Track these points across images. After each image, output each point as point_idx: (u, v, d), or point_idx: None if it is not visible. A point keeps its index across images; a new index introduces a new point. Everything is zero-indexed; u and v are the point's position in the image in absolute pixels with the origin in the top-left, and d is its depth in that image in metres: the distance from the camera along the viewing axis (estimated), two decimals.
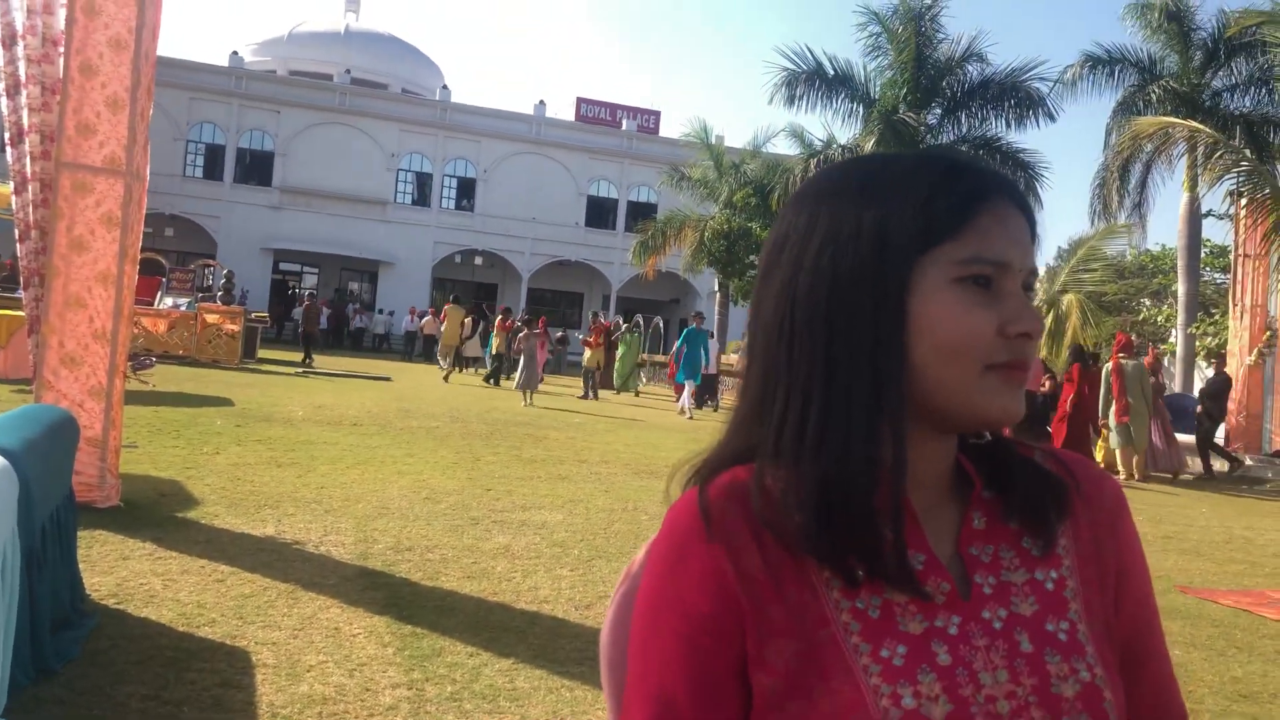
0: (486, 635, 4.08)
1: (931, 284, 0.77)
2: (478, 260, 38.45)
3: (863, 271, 0.78)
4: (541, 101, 40.11)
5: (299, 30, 43.72)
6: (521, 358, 16.72)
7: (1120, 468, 12.73)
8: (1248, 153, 15.55)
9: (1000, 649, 0.77)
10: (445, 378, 20.61)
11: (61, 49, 5.57)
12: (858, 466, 0.77)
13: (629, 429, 13.85)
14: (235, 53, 38.44)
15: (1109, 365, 13.03)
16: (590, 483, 8.38)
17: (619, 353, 21.65)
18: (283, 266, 37.68)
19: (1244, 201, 14.11)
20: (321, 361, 22.69)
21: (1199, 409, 14.27)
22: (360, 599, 4.46)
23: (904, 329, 0.77)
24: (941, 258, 0.78)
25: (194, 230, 35.60)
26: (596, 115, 40.85)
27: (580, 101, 41.10)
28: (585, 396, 18.78)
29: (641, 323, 24.07)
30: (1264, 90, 19.94)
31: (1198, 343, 21.02)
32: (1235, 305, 17.37)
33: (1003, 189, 0.81)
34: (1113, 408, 12.75)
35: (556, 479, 8.47)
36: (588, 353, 19.77)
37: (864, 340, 0.78)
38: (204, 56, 51.08)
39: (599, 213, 40.05)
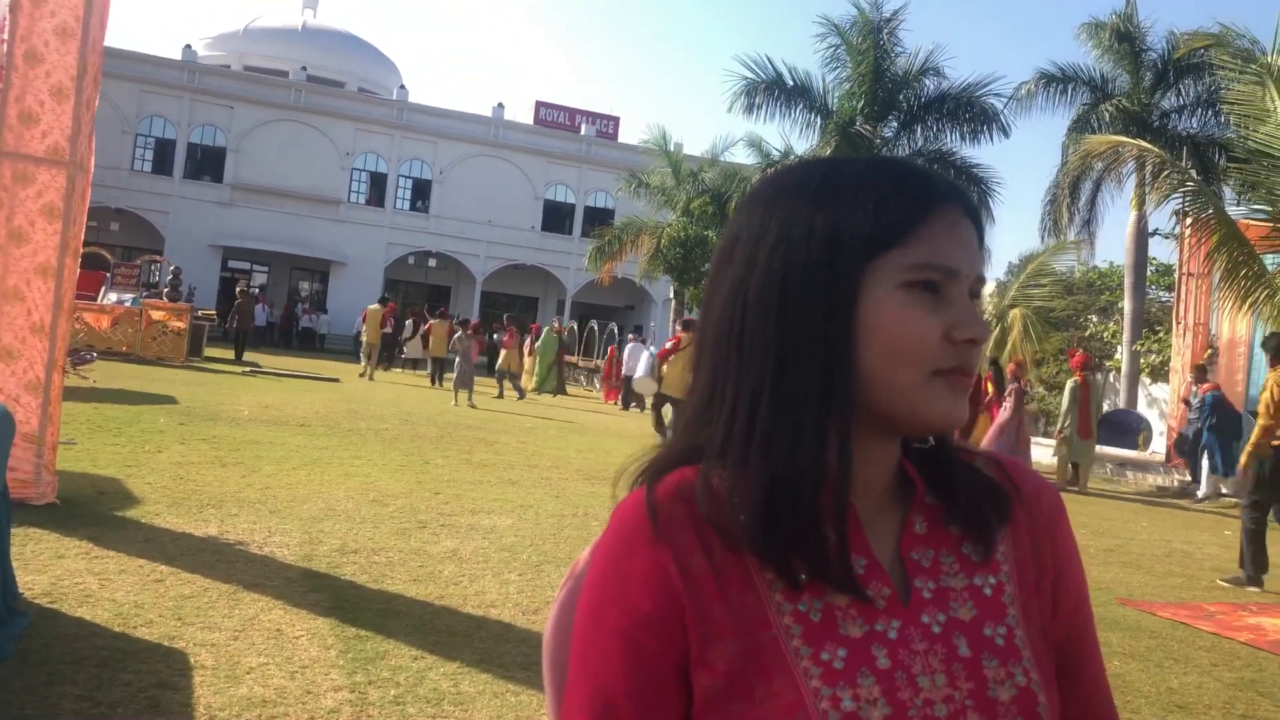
0: (432, 639, 4.03)
1: (881, 289, 0.78)
2: (431, 262, 38.15)
3: (814, 274, 0.78)
4: (500, 104, 39.98)
5: (255, 25, 43.10)
6: (458, 359, 16.92)
7: (1057, 477, 13.07)
8: (1194, 173, 15.91)
9: (939, 653, 0.78)
10: (366, 375, 20.81)
11: (5, 35, 5.42)
12: (804, 468, 0.77)
13: (581, 434, 13.80)
14: (188, 46, 37.75)
15: (1074, 380, 13.32)
16: (540, 488, 8.34)
17: (535, 353, 21.97)
18: (232, 264, 37.05)
19: (1189, 221, 14.42)
20: (268, 361, 22.37)
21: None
22: (304, 601, 4.38)
23: (853, 332, 0.78)
24: (891, 263, 0.78)
25: (141, 225, 34.91)
26: (555, 119, 40.77)
27: (539, 105, 41.01)
28: (499, 396, 19.11)
29: (559, 324, 24.24)
30: (1210, 112, 20.43)
31: (1142, 360, 21.47)
32: (1179, 323, 17.77)
33: (953, 196, 0.82)
34: (1075, 422, 13.08)
35: (506, 483, 8.41)
36: (502, 354, 19.90)
37: (813, 343, 0.78)
38: (156, 49, 50.10)
39: (556, 217, 39.94)
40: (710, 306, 0.84)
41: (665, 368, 13.36)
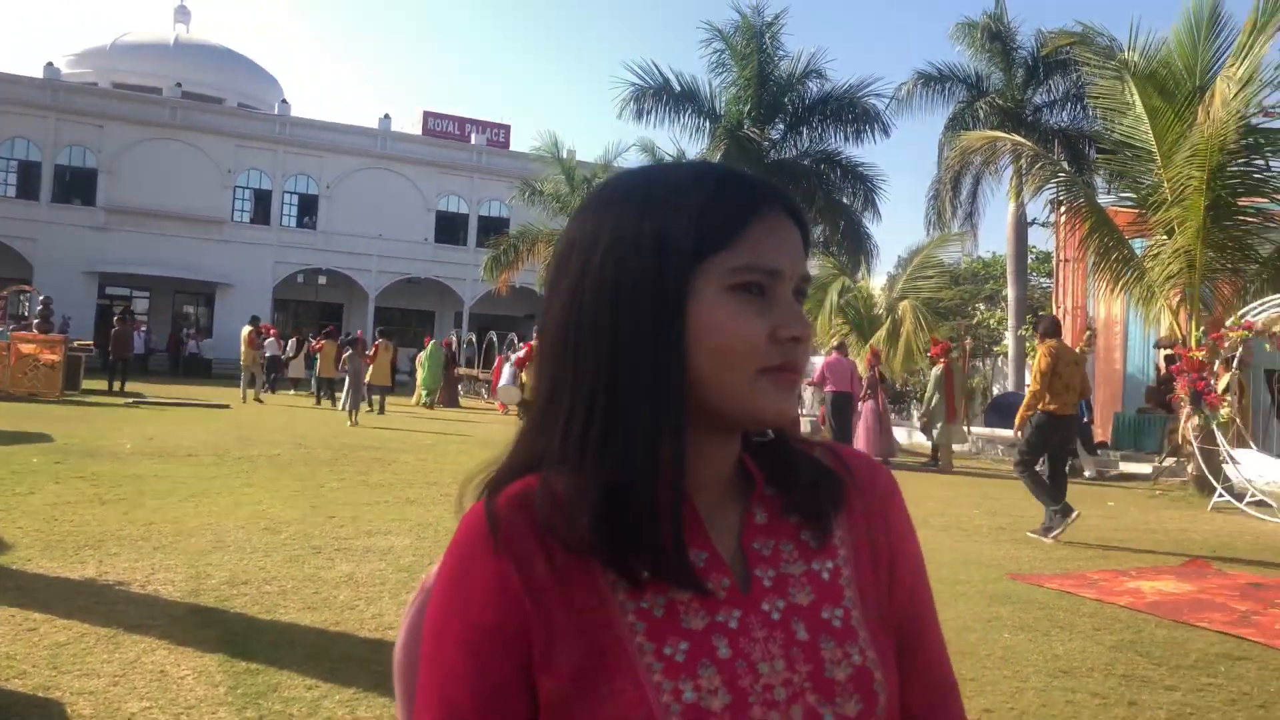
0: (327, 666, 3.92)
1: (708, 292, 0.80)
2: (321, 280, 37.19)
3: (643, 280, 0.80)
4: (386, 115, 39.32)
5: (123, 41, 41.47)
6: (347, 378, 16.67)
7: (941, 460, 13.58)
8: (1065, 165, 16.62)
9: (778, 639, 0.81)
10: (247, 400, 20.42)
11: None
12: (639, 469, 0.78)
13: (482, 447, 13.62)
14: (51, 64, 36.09)
15: (940, 367, 13.75)
16: (440, 505, 8.20)
17: (422, 365, 21.89)
18: (110, 291, 35.49)
19: (1063, 210, 15.07)
20: (154, 390, 21.50)
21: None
22: (190, 638, 4.21)
23: (683, 335, 0.79)
24: (716, 266, 0.80)
25: (6, 254, 33.17)
26: (444, 129, 40.29)
27: (427, 115, 40.46)
28: (380, 412, 18.65)
29: (452, 338, 24.19)
30: (1079, 106, 21.37)
31: (1027, 344, 22.33)
32: (1058, 307, 18.56)
33: (774, 199, 0.84)
34: (942, 406, 13.57)
35: (404, 503, 8.25)
36: (320, 362, 20.04)
37: (645, 346, 0.80)
38: (15, 68, 47.70)
39: (449, 228, 39.44)
40: (548, 314, 0.86)
41: (525, 375, 13.62)
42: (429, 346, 22.25)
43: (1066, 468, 8.62)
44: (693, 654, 0.78)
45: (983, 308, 31.75)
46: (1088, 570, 6.86)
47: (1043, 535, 8.04)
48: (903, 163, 48.80)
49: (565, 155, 28.89)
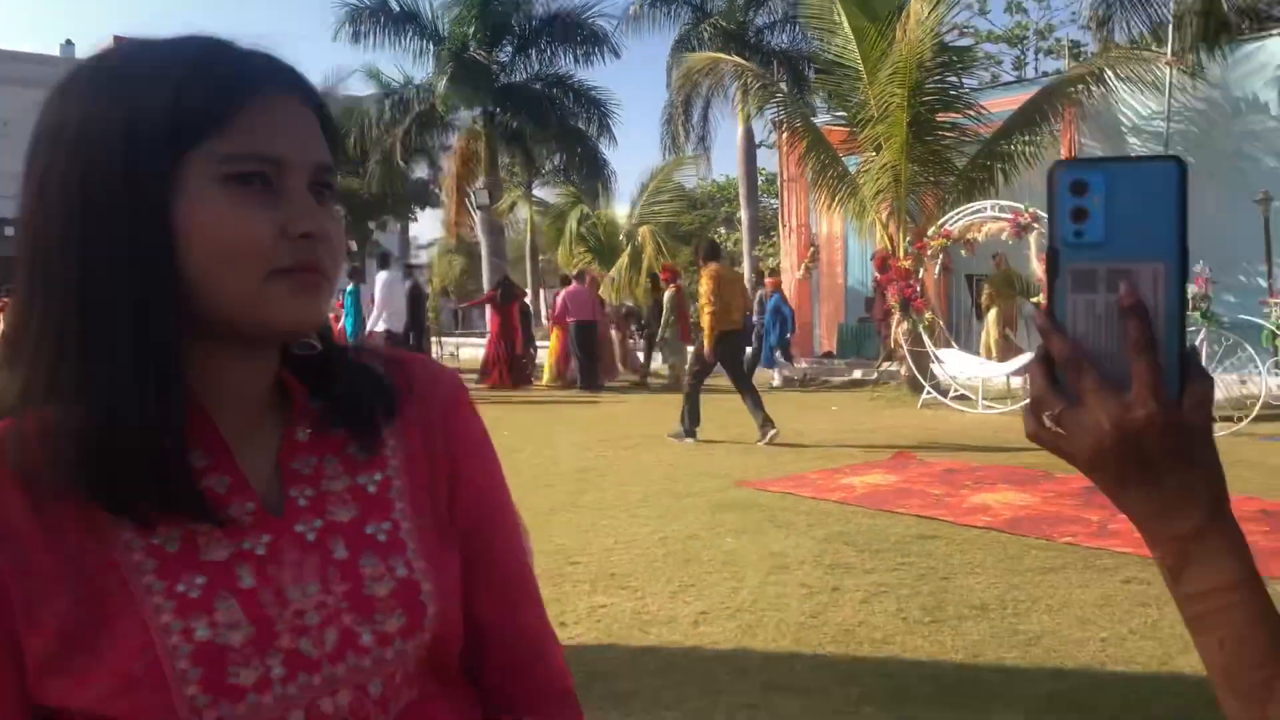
0: None
1: (197, 185, 0.71)
2: (7, 230, 33.14)
3: (113, 176, 0.71)
4: (69, 41, 35.00)
5: None
6: None
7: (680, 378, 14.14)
8: (784, 86, 17.18)
9: (313, 561, 0.77)
10: None
11: None
12: (125, 399, 0.71)
13: None
14: None
15: (671, 290, 14.06)
16: None
17: None
18: None
19: (784, 130, 15.59)
20: None
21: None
22: None
23: (170, 239, 0.71)
24: (204, 156, 0.71)
25: None
26: None
27: (119, 41, 36.42)
28: None
29: None
30: (797, 28, 22.13)
31: (761, 264, 23.25)
32: (784, 226, 19.35)
33: (278, 80, 0.76)
34: (675, 327, 14.01)
35: None
36: None
37: (122, 254, 0.71)
38: None
39: None
40: (17, 225, 0.75)
41: None
42: None
43: (748, 376, 9.34)
44: (209, 588, 0.73)
45: (723, 231, 32.83)
46: (808, 472, 7.15)
47: (677, 439, 8.78)
48: (641, 87, 49.30)
49: None
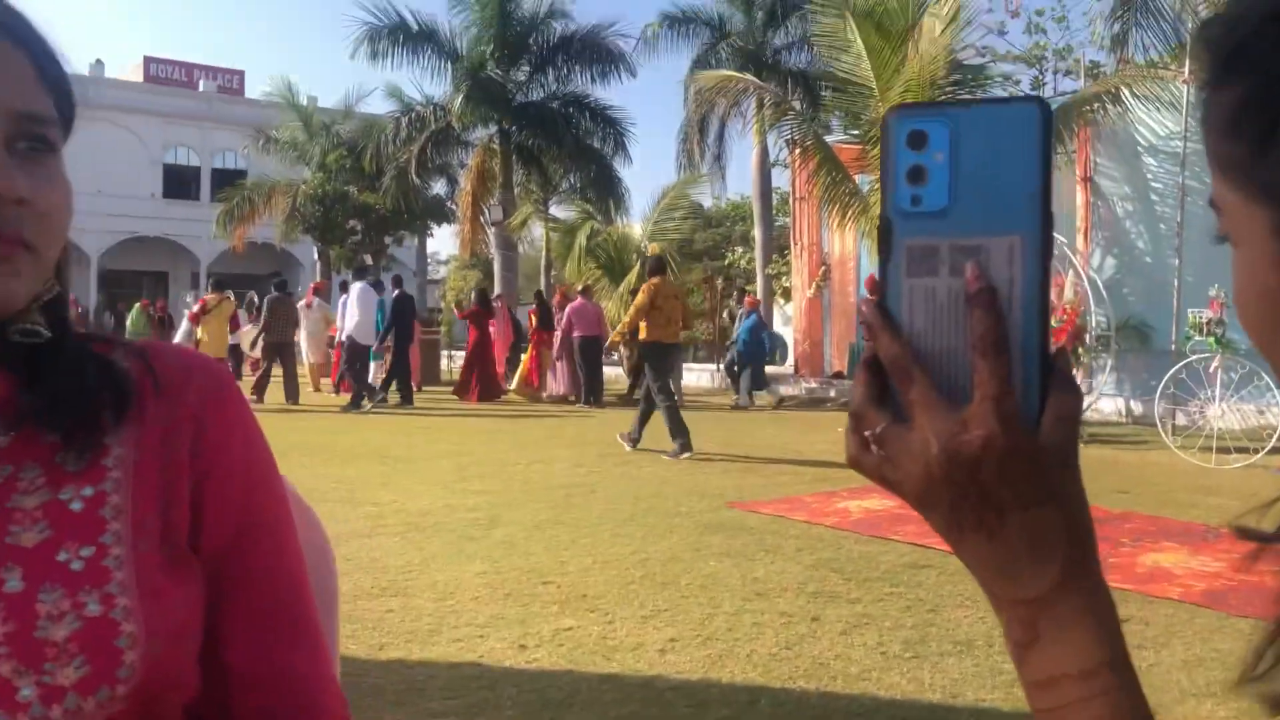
0: None
1: None
2: None
3: None
4: (99, 60, 35.49)
5: None
6: None
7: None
8: (797, 104, 17.05)
9: None
10: None
11: None
12: None
13: None
14: None
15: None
16: None
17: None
18: None
19: (797, 149, 15.44)
20: None
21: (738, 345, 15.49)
22: None
23: None
24: None
25: None
26: (169, 76, 36.95)
27: (149, 61, 36.93)
28: None
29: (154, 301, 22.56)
30: (815, 48, 22.04)
31: (774, 282, 23.06)
32: (796, 244, 19.15)
33: None
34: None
35: None
36: None
37: None
38: None
39: (179, 182, 36.29)
40: None
41: (200, 331, 13.69)
42: (132, 312, 20.41)
43: (673, 395, 9.31)
44: None
45: (740, 250, 32.70)
46: (805, 494, 6.94)
47: (674, 457, 8.56)
48: (659, 106, 49.34)
49: (305, 101, 27.10)
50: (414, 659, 3.54)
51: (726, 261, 28.53)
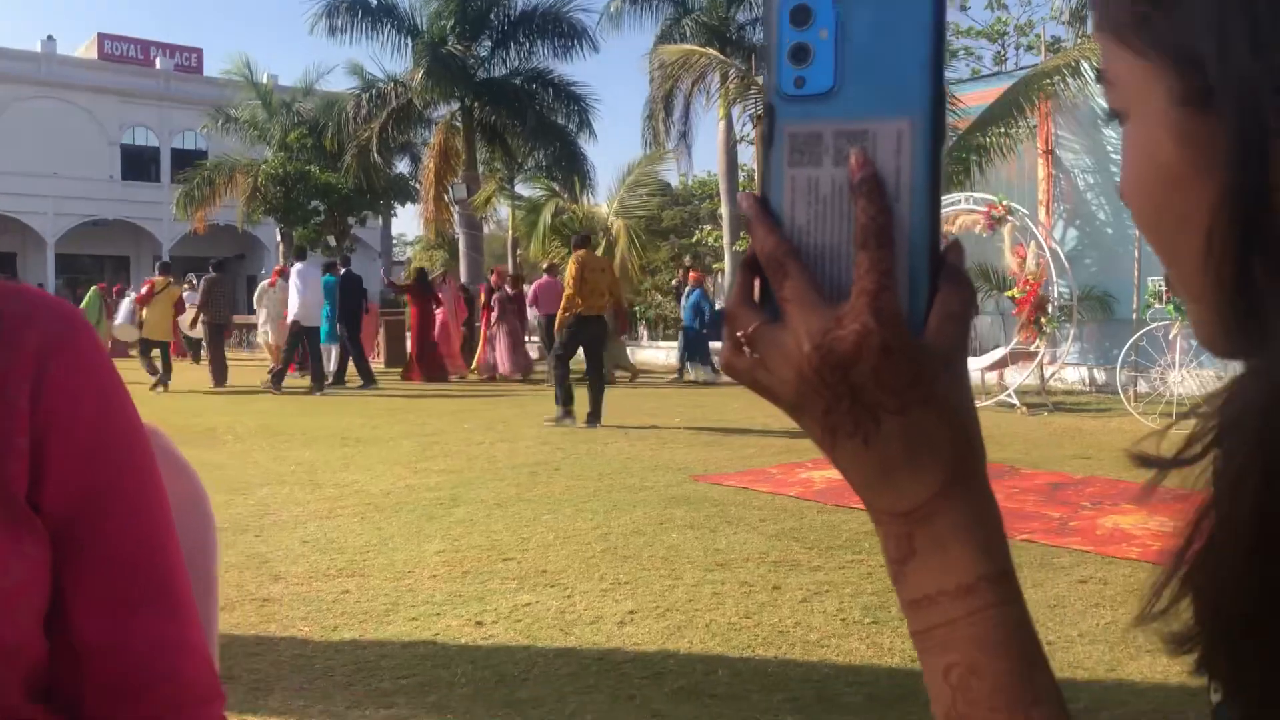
0: None
1: None
2: None
3: None
4: (50, 36, 34.64)
5: None
6: None
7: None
8: (761, 80, 16.98)
9: None
10: None
11: None
12: None
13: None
14: None
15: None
16: None
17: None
18: None
19: (760, 125, 15.40)
20: None
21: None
22: None
23: None
24: None
25: None
26: (125, 53, 36.15)
27: (103, 38, 36.12)
28: None
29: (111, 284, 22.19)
30: None
31: (691, 258, 23.03)
32: None
33: None
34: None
35: None
36: None
37: None
38: None
39: (137, 164, 35.61)
40: None
41: (145, 312, 13.50)
42: (89, 295, 19.98)
43: (602, 365, 9.74)
44: None
45: (709, 228, 32.67)
46: (770, 466, 6.93)
47: (554, 424, 9.08)
48: (624, 83, 49.05)
49: (264, 79, 26.65)
50: (368, 639, 3.48)
51: (694, 239, 28.46)
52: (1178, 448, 0.42)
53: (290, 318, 13.41)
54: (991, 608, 0.43)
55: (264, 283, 15.46)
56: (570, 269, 9.35)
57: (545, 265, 15.72)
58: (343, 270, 14.35)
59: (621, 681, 3.05)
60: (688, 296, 15.56)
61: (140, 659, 0.70)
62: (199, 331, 15.07)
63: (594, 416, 9.07)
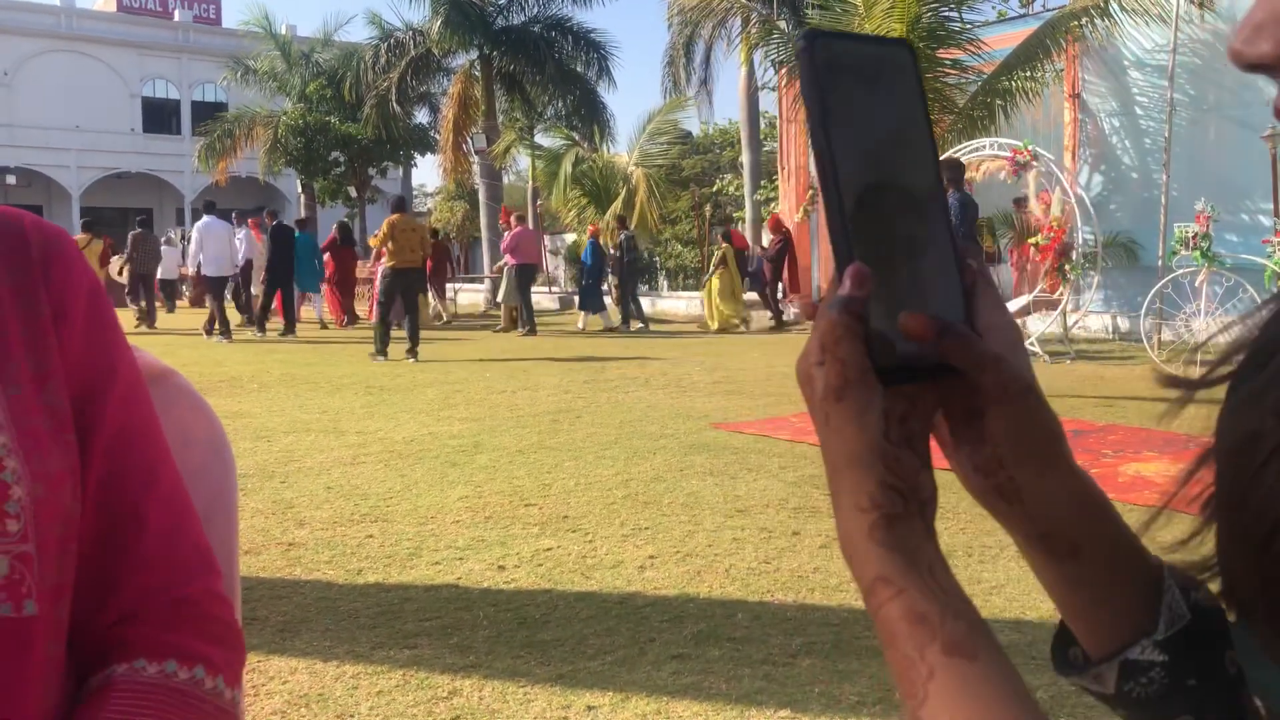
0: None
1: None
2: (10, 179, 32.71)
3: None
4: None
5: None
6: None
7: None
8: (783, 24, 16.67)
9: None
10: None
11: None
12: None
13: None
14: None
15: (509, 234, 14.76)
16: None
17: None
18: None
19: (783, 71, 15.14)
20: None
21: (765, 268, 15.57)
22: None
23: None
24: None
25: None
26: (143, 5, 35.95)
27: None
28: None
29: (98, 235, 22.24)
30: None
31: (763, 209, 22.83)
32: (783, 169, 18.93)
33: None
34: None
35: None
36: None
37: None
38: None
39: (158, 116, 35.60)
40: None
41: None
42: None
43: (418, 309, 11.29)
44: None
45: (730, 176, 32.39)
46: (789, 415, 6.93)
47: (372, 359, 10.58)
48: (644, 30, 48.40)
49: (282, 30, 26.49)
50: (391, 582, 3.55)
51: (715, 188, 28.22)
52: (1205, 369, 0.42)
53: (194, 268, 14.32)
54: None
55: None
56: (382, 229, 11.01)
57: (516, 215, 15.81)
58: (273, 224, 14.78)
59: (642, 625, 3.09)
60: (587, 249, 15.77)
61: (125, 525, 0.72)
62: (124, 279, 17.34)
63: (412, 352, 10.52)
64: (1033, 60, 12.00)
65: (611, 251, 15.73)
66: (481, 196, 21.88)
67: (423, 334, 11.34)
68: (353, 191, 26.01)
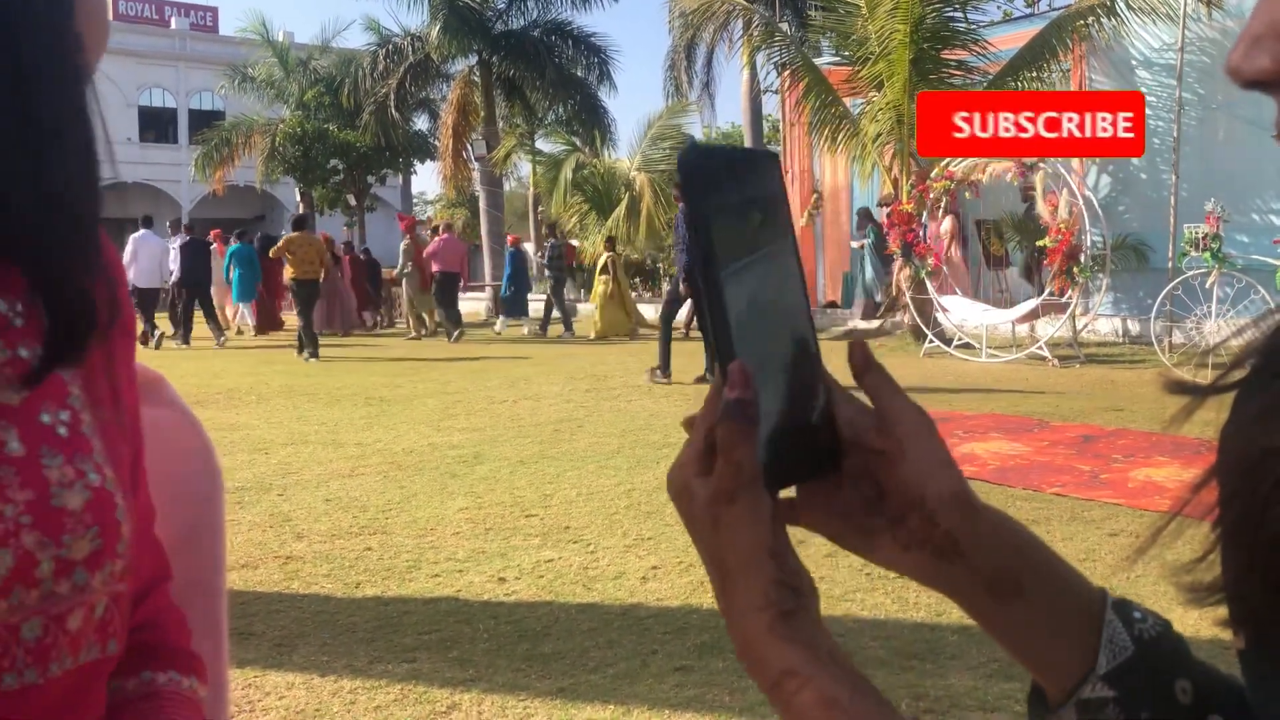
0: None
1: None
2: None
3: None
4: None
5: None
6: None
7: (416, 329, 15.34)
8: (785, 26, 16.62)
9: None
10: None
11: None
12: None
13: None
14: None
15: (406, 240, 15.36)
16: None
17: None
18: None
19: (786, 73, 15.08)
20: None
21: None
22: None
23: None
24: None
25: None
26: (140, 14, 35.97)
27: None
28: None
29: None
30: None
31: None
32: (787, 172, 18.86)
33: None
34: (415, 275, 15.17)
35: None
36: None
37: None
38: None
39: (156, 125, 35.59)
40: None
41: None
42: None
43: (311, 317, 12.44)
44: None
45: None
46: None
47: (305, 359, 11.68)
48: (644, 33, 48.34)
49: (279, 37, 26.49)
50: (390, 595, 3.46)
51: None
52: (1214, 376, 0.42)
53: (130, 282, 13.95)
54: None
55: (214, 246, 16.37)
56: (281, 244, 12.78)
57: (439, 224, 16.12)
58: (187, 237, 15.01)
59: (644, 637, 3.01)
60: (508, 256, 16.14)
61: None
62: None
63: (313, 354, 11.75)
64: (1039, 60, 11.93)
65: (537, 258, 16.09)
66: (482, 203, 21.85)
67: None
68: (352, 200, 25.97)
